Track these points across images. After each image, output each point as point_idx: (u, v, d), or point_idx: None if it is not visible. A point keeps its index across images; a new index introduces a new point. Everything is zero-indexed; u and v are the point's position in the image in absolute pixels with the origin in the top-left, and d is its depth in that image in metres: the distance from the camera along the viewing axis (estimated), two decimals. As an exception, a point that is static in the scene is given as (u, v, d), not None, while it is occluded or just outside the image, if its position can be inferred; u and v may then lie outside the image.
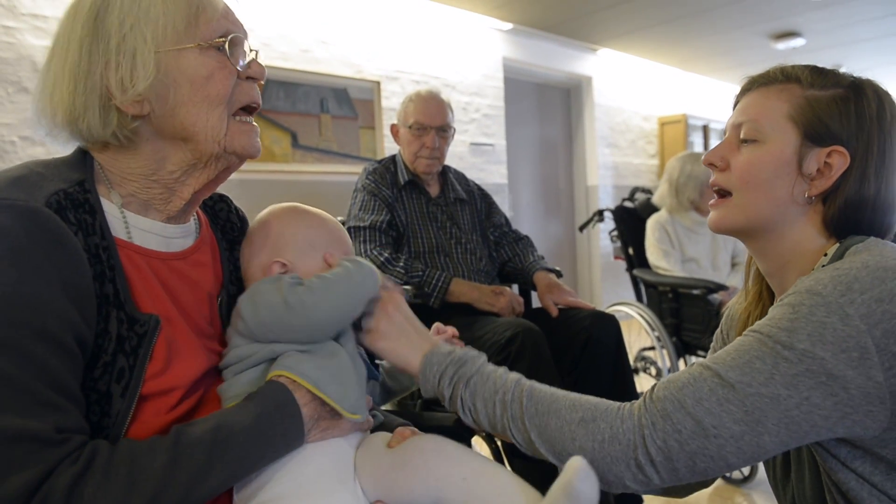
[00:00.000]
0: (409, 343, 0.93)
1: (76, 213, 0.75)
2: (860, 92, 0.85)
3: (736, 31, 5.23)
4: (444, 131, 2.18)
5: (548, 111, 5.73)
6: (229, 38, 0.82)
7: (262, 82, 0.89)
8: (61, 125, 0.80)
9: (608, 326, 1.93)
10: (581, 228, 3.66)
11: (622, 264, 3.25)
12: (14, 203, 0.69)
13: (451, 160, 2.27)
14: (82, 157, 0.83)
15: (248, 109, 0.87)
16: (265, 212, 0.99)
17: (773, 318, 0.75)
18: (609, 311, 2.74)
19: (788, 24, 5.12)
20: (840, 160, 0.84)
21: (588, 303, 2.06)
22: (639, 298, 3.13)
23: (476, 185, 2.41)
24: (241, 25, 0.85)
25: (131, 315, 0.77)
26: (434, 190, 2.24)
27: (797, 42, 5.46)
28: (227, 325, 0.93)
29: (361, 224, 2.05)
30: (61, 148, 0.85)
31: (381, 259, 1.98)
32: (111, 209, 0.81)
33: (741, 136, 0.90)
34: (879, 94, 0.86)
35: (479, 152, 4.73)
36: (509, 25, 4.79)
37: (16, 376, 0.64)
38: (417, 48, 4.29)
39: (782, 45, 5.52)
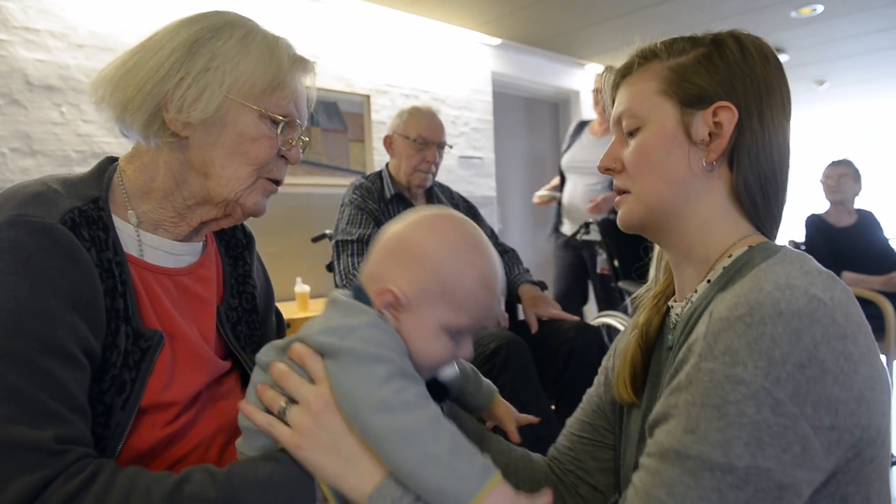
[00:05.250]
0: (347, 459, 0.70)
1: (90, 229, 0.78)
2: (721, 44, 0.80)
3: (721, 48, 5.31)
4: (441, 147, 2.24)
5: (536, 125, 5.79)
6: (287, 120, 0.87)
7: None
8: (112, 105, 0.84)
9: (591, 338, 1.97)
10: (568, 241, 3.69)
11: (608, 276, 3.28)
12: (31, 219, 0.73)
13: (440, 173, 2.30)
14: (99, 176, 0.86)
15: (273, 181, 0.92)
16: (429, 217, 0.79)
17: (698, 428, 0.62)
18: (595, 322, 2.77)
19: (772, 41, 5.13)
20: (727, 115, 0.77)
21: (572, 315, 2.10)
22: (625, 310, 3.16)
23: (461, 196, 2.44)
24: (305, 115, 0.92)
25: (137, 330, 0.79)
26: (420, 203, 2.27)
27: (781, 58, 5.47)
28: (227, 338, 0.94)
29: (349, 238, 2.08)
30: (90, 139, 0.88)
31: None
32: (126, 228, 0.84)
33: (624, 129, 0.84)
34: (739, 39, 0.81)
35: (468, 165, 4.77)
36: (498, 41, 4.85)
37: (21, 386, 0.66)
38: (407, 62, 4.33)
39: (766, 61, 5.60)
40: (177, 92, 0.82)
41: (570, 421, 1.02)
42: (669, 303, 0.86)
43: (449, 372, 0.84)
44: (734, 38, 0.81)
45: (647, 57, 0.84)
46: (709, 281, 0.78)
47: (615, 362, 0.95)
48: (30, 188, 0.78)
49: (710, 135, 0.78)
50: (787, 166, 0.81)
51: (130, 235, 0.85)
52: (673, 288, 0.88)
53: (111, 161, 0.90)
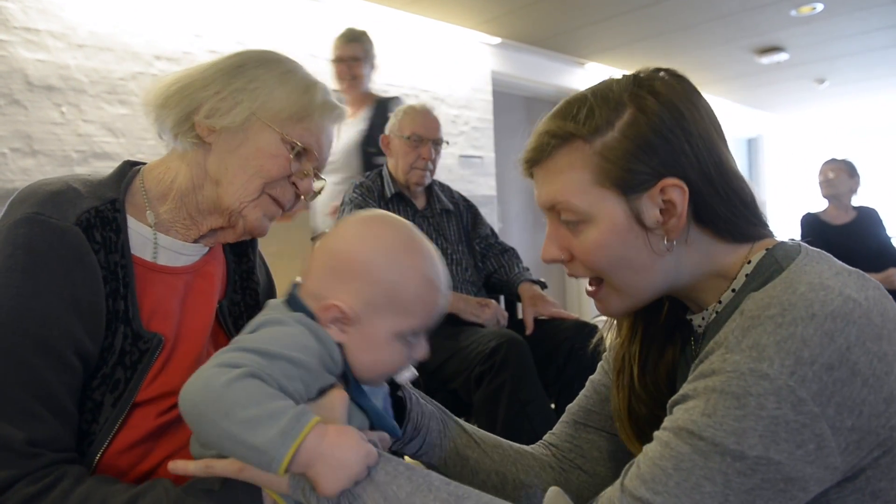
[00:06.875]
0: None
1: (103, 231, 0.81)
2: (642, 105, 0.73)
3: (720, 47, 5.31)
4: (437, 144, 2.24)
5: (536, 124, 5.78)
6: (303, 148, 0.91)
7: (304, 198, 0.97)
8: (157, 107, 0.91)
9: (591, 336, 1.97)
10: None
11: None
12: (47, 220, 0.76)
13: (440, 172, 2.31)
14: (119, 179, 0.89)
15: (277, 203, 0.94)
16: (361, 225, 0.79)
17: (715, 412, 0.62)
18: (595, 320, 2.77)
19: (772, 40, 5.20)
20: (677, 192, 0.72)
21: (572, 313, 2.10)
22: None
23: (461, 196, 2.44)
24: (323, 156, 0.97)
25: (137, 332, 0.81)
26: (420, 202, 2.27)
27: (781, 56, 5.54)
28: (229, 333, 0.96)
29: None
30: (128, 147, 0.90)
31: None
32: (140, 228, 0.88)
33: (562, 218, 0.78)
34: (657, 94, 0.74)
35: (468, 164, 4.78)
36: (498, 40, 4.85)
37: (6, 383, 0.69)
38: (407, 62, 4.33)
39: (766, 60, 5.60)
40: (212, 101, 0.88)
41: (572, 408, 1.00)
42: (688, 316, 0.83)
43: (406, 375, 0.84)
44: (653, 95, 0.74)
45: (562, 138, 0.76)
46: (734, 290, 0.76)
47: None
48: (51, 186, 0.82)
49: (661, 212, 0.73)
50: (746, 185, 0.77)
51: (146, 237, 0.88)
52: (634, 343, 0.90)
53: (132, 165, 0.95)
